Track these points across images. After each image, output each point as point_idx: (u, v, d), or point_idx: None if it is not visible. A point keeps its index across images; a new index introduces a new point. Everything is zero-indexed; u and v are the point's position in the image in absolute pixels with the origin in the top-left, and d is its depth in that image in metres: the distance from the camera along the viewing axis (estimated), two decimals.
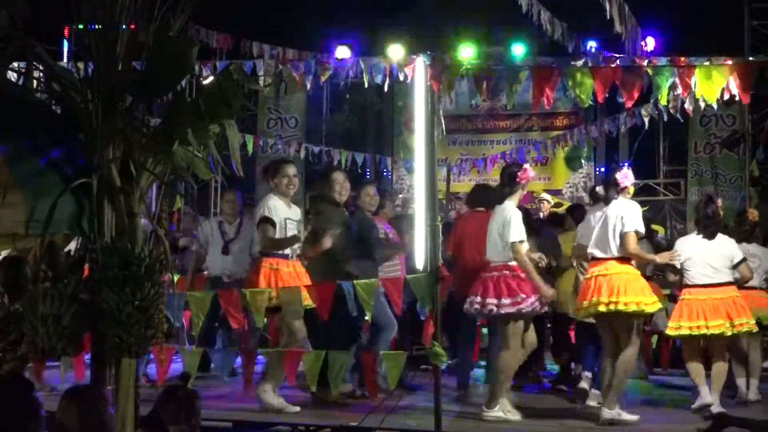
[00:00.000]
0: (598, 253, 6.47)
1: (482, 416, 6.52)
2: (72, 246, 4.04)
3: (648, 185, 14.61)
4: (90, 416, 3.44)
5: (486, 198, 7.92)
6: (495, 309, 6.42)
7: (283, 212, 6.86)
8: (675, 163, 14.65)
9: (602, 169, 14.90)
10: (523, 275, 6.45)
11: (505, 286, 6.43)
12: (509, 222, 6.44)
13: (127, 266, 3.76)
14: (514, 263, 6.47)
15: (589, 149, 14.59)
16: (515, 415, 6.56)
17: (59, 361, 6.04)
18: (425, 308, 6.29)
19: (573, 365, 8.30)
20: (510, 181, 6.63)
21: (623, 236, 6.33)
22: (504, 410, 6.52)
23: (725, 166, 13.53)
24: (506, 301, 6.39)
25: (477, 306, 6.55)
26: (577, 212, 8.42)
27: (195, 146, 3.96)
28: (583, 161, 14.65)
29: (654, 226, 10.72)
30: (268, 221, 6.72)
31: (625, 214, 6.35)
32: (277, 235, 6.80)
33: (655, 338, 9.52)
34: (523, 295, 6.40)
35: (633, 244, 6.34)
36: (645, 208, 9.71)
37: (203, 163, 4.09)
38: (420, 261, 6.52)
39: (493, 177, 14.55)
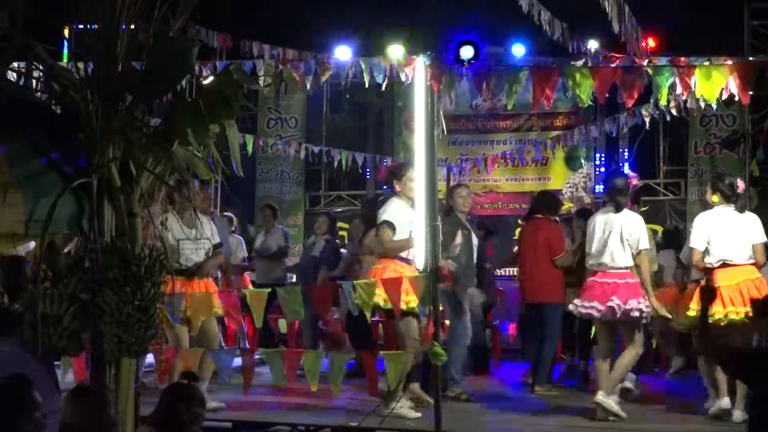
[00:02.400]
0: (733, 259, 6.65)
1: (597, 400, 6.60)
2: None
3: (648, 185, 14.58)
4: (94, 416, 3.43)
5: (547, 205, 8.40)
6: (640, 311, 6.64)
7: (407, 215, 6.91)
8: (675, 163, 14.63)
9: (602, 169, 14.89)
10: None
11: (637, 289, 6.69)
12: (639, 230, 6.74)
13: (127, 266, 3.76)
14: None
15: (588, 149, 14.56)
16: (622, 413, 6.66)
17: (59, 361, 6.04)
18: (425, 308, 6.28)
19: (577, 361, 8.53)
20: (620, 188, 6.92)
21: (756, 246, 6.62)
22: (615, 402, 6.70)
23: (725, 166, 13.50)
24: (644, 303, 6.67)
25: (609, 308, 6.67)
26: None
27: (195, 146, 3.97)
28: (583, 161, 14.62)
29: (653, 227, 10.73)
30: (389, 224, 6.73)
31: (759, 226, 6.69)
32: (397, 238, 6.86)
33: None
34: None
35: (764, 255, 6.67)
36: (645, 208, 9.71)
37: (203, 163, 4.09)
38: (420, 261, 6.51)
39: (494, 177, 14.58)
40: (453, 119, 14.15)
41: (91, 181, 3.81)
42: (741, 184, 6.85)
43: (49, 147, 3.85)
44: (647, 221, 8.10)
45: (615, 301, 6.67)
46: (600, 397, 6.62)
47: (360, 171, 14.53)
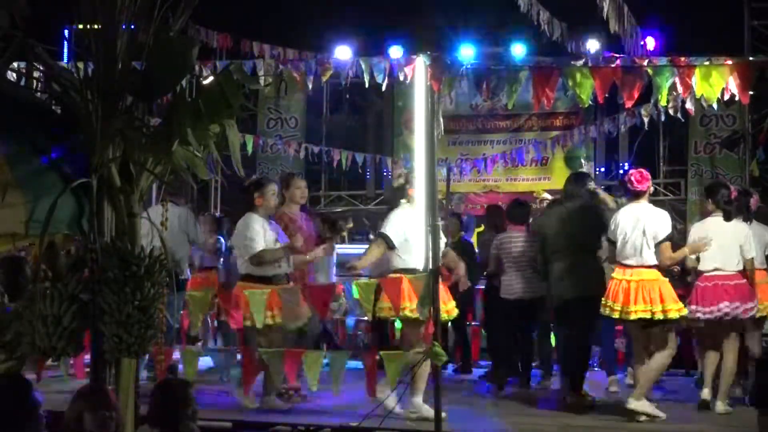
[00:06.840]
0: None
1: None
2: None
3: None
4: (100, 417, 3.43)
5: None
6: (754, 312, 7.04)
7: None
8: (675, 163, 14.64)
9: (602, 169, 14.90)
10: None
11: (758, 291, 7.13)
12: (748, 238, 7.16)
13: (127, 266, 3.76)
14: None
15: (588, 149, 14.57)
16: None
17: (58, 360, 6.04)
18: (424, 308, 6.27)
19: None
20: (729, 200, 7.29)
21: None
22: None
23: (725, 166, 13.52)
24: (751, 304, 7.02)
25: (740, 311, 6.96)
26: None
27: (195, 146, 3.96)
28: (583, 161, 14.62)
29: None
30: (671, 239, 7.00)
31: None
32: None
33: None
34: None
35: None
36: None
37: (203, 163, 4.09)
38: (420, 261, 6.50)
39: (494, 177, 14.58)
40: (453, 119, 14.17)
41: (91, 181, 3.80)
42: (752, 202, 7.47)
43: (49, 147, 3.85)
44: None
45: (727, 304, 6.97)
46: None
47: (360, 171, 14.55)
